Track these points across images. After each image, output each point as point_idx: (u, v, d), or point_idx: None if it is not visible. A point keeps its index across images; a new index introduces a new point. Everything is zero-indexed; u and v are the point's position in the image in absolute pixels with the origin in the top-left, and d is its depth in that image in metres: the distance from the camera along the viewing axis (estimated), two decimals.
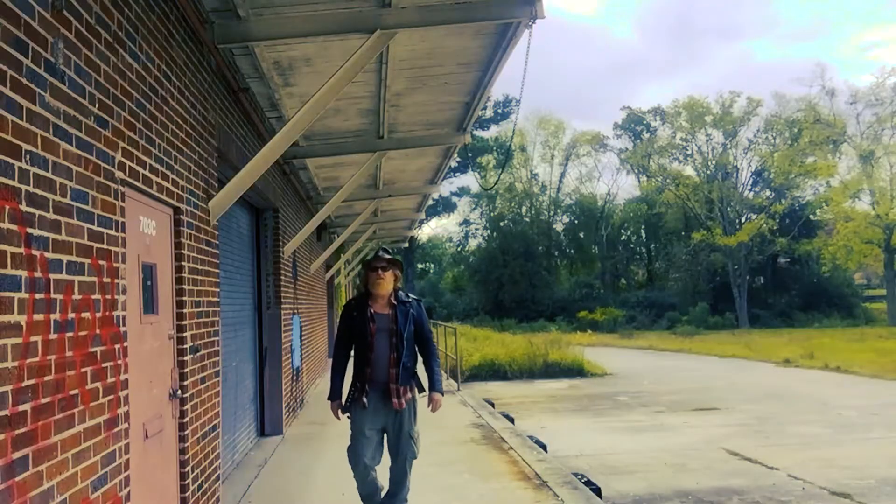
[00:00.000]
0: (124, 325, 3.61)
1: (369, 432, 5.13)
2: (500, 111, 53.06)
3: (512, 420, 11.79)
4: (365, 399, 5.06)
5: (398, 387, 5.06)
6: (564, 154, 59.22)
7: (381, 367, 5.06)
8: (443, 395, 5.30)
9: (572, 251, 59.21)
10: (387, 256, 5.22)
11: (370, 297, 5.20)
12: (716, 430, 12.39)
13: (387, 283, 5.15)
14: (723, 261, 47.72)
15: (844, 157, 46.77)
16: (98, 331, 3.27)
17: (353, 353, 5.33)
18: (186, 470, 4.72)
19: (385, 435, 5.24)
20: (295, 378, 10.93)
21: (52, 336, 2.82)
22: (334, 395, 5.31)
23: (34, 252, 2.69)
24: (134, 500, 3.69)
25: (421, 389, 5.26)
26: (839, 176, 46.02)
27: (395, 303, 5.18)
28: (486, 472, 7.29)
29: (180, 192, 4.69)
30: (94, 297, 3.23)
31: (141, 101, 3.92)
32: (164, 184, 4.34)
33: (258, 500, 6.57)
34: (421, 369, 5.36)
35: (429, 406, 5.26)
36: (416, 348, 5.29)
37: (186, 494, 4.71)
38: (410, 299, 5.27)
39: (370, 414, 5.10)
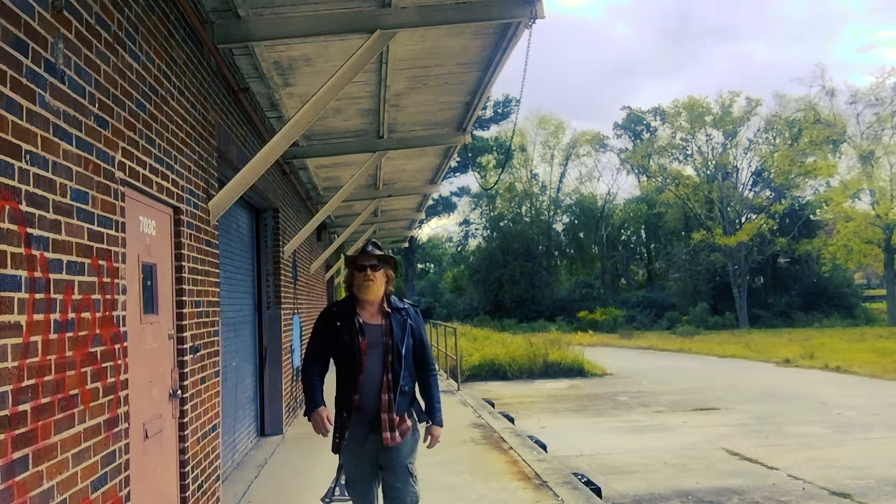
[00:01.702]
0: (124, 325, 3.61)
1: (368, 473, 4.11)
2: (500, 111, 53.07)
3: (512, 420, 11.79)
4: (346, 432, 4.02)
5: (392, 417, 3.98)
6: (564, 154, 59.23)
7: (372, 392, 3.98)
8: (442, 427, 4.28)
9: (572, 251, 59.20)
10: (377, 252, 4.14)
11: (357, 304, 4.11)
12: (716, 430, 12.39)
13: (377, 285, 4.07)
14: (723, 261, 47.70)
15: (844, 157, 46.80)
16: (98, 331, 3.27)
17: (334, 373, 4.22)
18: (186, 470, 4.72)
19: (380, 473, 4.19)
20: (295, 378, 10.93)
21: (52, 336, 2.82)
22: (313, 404, 4.10)
23: (34, 252, 2.69)
24: (134, 500, 3.69)
25: (422, 418, 4.22)
26: (839, 176, 46.01)
27: (389, 310, 4.11)
28: (486, 472, 7.29)
29: (180, 192, 4.69)
30: (94, 297, 3.23)
31: (141, 101, 3.92)
32: (164, 184, 4.34)
33: (258, 500, 6.57)
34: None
35: (425, 441, 4.24)
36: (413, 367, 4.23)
37: (186, 494, 4.71)
38: (406, 305, 4.22)
39: (358, 451, 4.06)
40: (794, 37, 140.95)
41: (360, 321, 4.05)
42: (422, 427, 4.24)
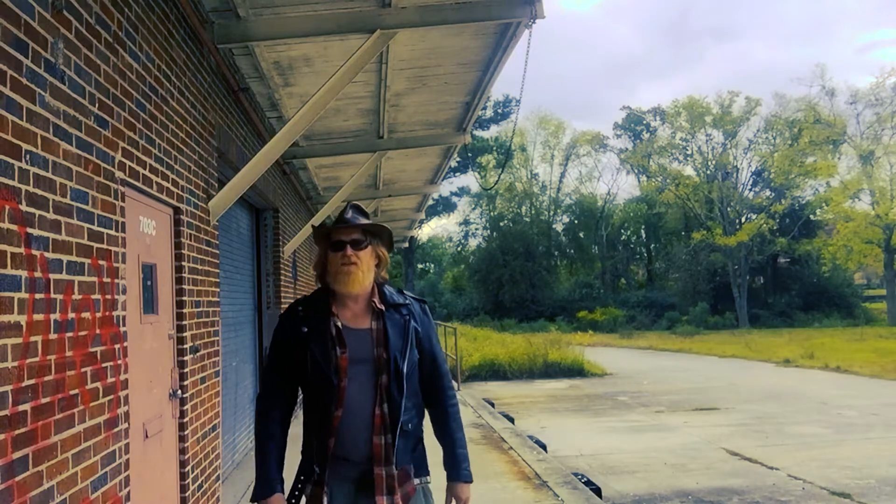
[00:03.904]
0: (124, 325, 3.61)
1: None
2: (500, 111, 53.07)
3: (512, 420, 11.81)
4: (325, 499, 2.68)
5: (392, 472, 2.64)
6: (564, 154, 59.22)
7: (358, 434, 2.64)
8: (470, 483, 2.83)
9: (572, 251, 59.22)
10: (361, 221, 2.76)
11: (333, 299, 2.75)
12: (716, 430, 12.38)
13: (362, 271, 2.69)
14: (723, 261, 47.70)
15: (844, 157, 46.79)
16: (98, 331, 3.27)
17: (303, 405, 2.82)
18: (186, 470, 4.72)
19: None
20: None
21: (52, 336, 2.82)
22: (265, 485, 2.79)
23: (34, 252, 2.69)
24: (134, 500, 3.69)
25: (422, 472, 2.79)
26: (839, 176, 46.01)
27: (382, 307, 2.74)
28: (486, 472, 7.29)
29: (180, 192, 4.69)
30: (94, 297, 3.23)
31: (141, 101, 3.92)
32: (164, 184, 4.34)
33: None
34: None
35: None
36: (421, 393, 2.82)
37: (186, 494, 4.71)
38: (408, 300, 2.84)
39: None
40: (794, 37, 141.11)
41: (339, 324, 2.68)
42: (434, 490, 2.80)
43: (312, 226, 2.84)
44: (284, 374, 2.78)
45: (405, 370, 2.69)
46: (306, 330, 2.70)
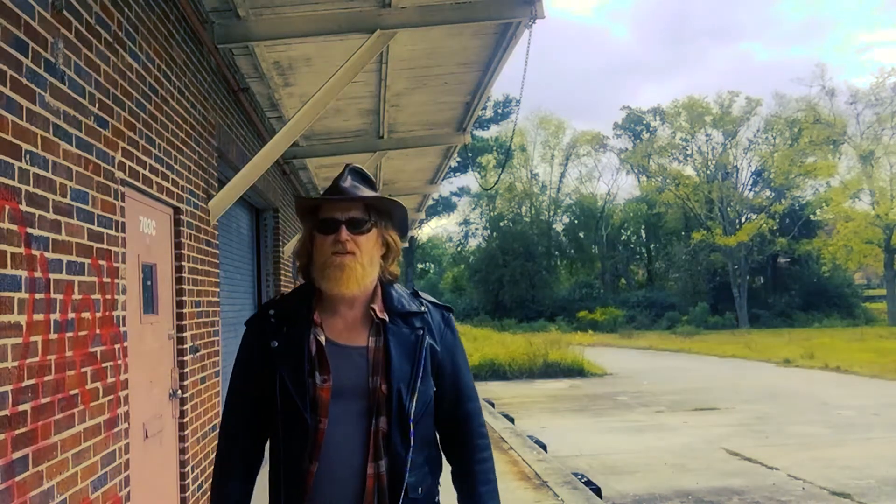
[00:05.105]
0: (124, 325, 3.61)
1: None
2: (500, 111, 53.07)
3: (512, 420, 11.81)
4: None
5: None
6: (564, 154, 59.23)
7: (340, 499, 1.86)
8: None
9: (572, 251, 59.22)
10: (363, 192, 1.96)
11: (318, 302, 1.97)
12: (716, 430, 12.38)
13: (362, 263, 1.90)
14: (723, 261, 47.72)
15: (844, 157, 46.82)
16: (98, 331, 3.27)
17: (269, 451, 2.04)
18: (186, 470, 4.72)
19: None
20: None
21: (52, 336, 2.82)
22: None
23: (34, 252, 2.69)
24: (134, 500, 3.69)
25: None
26: (839, 176, 46.04)
27: (384, 317, 1.95)
28: None
29: (180, 192, 4.69)
30: (94, 297, 3.23)
31: (141, 101, 3.92)
32: (164, 184, 4.34)
33: (257, 499, 6.56)
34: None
35: None
36: (439, 439, 2.06)
37: (186, 494, 4.71)
38: (424, 306, 2.03)
39: None
40: (793, 37, 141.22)
41: (321, 339, 1.90)
42: None
43: (295, 196, 2.06)
44: (250, 407, 1.98)
45: (412, 410, 1.88)
46: (276, 344, 1.92)
